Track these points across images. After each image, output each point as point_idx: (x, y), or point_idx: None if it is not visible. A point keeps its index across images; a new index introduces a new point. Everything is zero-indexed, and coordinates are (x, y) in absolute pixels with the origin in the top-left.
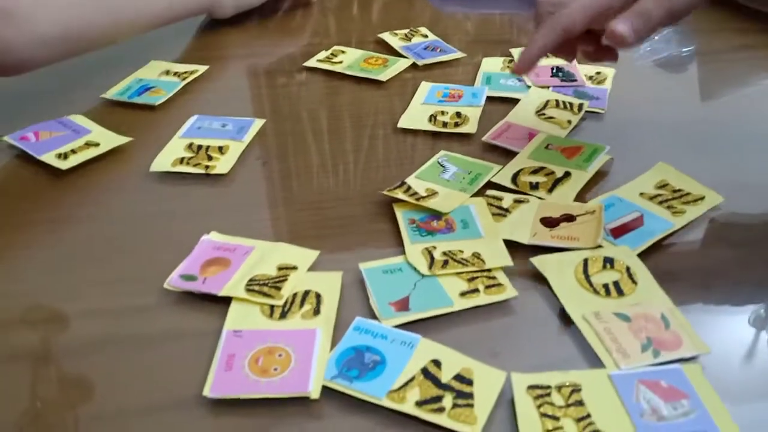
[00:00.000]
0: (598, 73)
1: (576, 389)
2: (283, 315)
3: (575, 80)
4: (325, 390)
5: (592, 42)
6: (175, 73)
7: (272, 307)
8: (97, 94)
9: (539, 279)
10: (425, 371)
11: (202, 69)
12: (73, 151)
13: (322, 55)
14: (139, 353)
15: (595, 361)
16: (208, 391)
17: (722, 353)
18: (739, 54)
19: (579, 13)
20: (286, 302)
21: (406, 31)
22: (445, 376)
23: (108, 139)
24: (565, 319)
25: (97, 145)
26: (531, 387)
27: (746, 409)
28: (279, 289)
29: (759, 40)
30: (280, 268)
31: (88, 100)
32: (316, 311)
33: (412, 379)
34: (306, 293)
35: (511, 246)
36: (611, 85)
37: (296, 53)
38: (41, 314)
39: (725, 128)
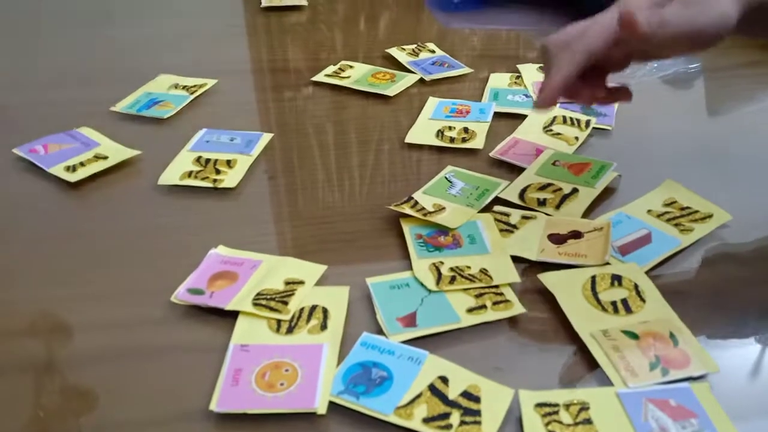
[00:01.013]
0: None
1: (584, 407)
2: (290, 330)
3: None
4: (332, 405)
5: (601, 85)
6: (184, 87)
7: (279, 321)
8: (106, 108)
9: (547, 296)
10: (432, 388)
11: (211, 82)
12: (82, 164)
13: (330, 69)
14: (146, 366)
15: (603, 379)
16: (214, 406)
17: (731, 371)
18: (745, 70)
19: (598, 35)
20: (293, 317)
21: (413, 46)
22: (453, 393)
23: (117, 152)
24: (573, 336)
25: (105, 158)
26: (539, 405)
27: (755, 427)
28: (286, 303)
29: (765, 57)
30: (287, 283)
31: (98, 113)
32: (323, 326)
33: (419, 396)
34: (313, 308)
35: (519, 262)
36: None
37: (304, 68)
38: (48, 325)
39: (732, 145)
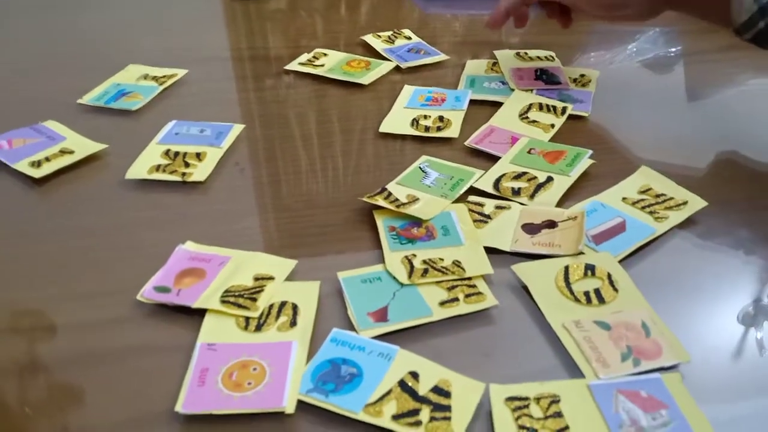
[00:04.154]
0: (582, 75)
1: (554, 400)
2: (259, 327)
3: (559, 83)
4: (301, 404)
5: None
6: (154, 77)
7: (247, 319)
8: (73, 100)
9: (520, 287)
10: (402, 384)
11: (181, 72)
12: (47, 159)
13: (304, 58)
14: (110, 367)
15: (575, 371)
16: (180, 407)
17: (703, 360)
18: (725, 54)
19: None
20: (261, 314)
21: (389, 33)
22: (423, 389)
23: (83, 146)
24: (546, 328)
25: (71, 152)
26: (509, 399)
27: (727, 415)
28: (255, 300)
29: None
30: (256, 279)
31: (64, 106)
32: (293, 323)
33: (389, 392)
34: (282, 304)
35: (493, 253)
36: (596, 87)
37: (279, 56)
38: (8, 328)
39: (711, 130)
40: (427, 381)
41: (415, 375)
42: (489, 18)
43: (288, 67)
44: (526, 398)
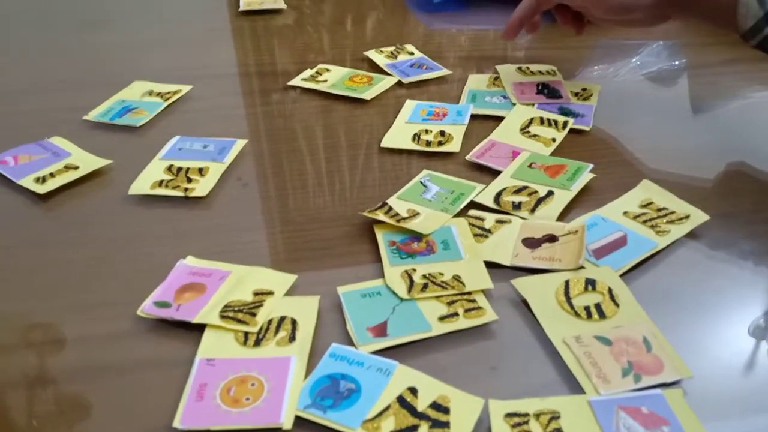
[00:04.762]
0: (584, 89)
1: (554, 416)
2: (258, 342)
3: (561, 97)
4: (298, 420)
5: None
6: (158, 94)
7: (247, 334)
8: (79, 116)
9: (520, 301)
10: (401, 399)
11: (186, 89)
12: (52, 175)
13: (307, 73)
14: (110, 382)
15: (576, 387)
16: (178, 423)
17: (705, 377)
18: (729, 67)
19: None
20: (261, 329)
21: (391, 48)
22: (422, 404)
23: (87, 162)
24: (547, 343)
25: (76, 168)
26: (509, 415)
27: (733, 430)
28: (254, 315)
29: (749, 53)
30: (256, 294)
31: (70, 122)
32: (292, 338)
33: (387, 408)
34: (282, 319)
35: (493, 267)
36: (598, 101)
37: (285, 71)
38: (10, 342)
39: (715, 143)
40: (425, 397)
41: (413, 390)
42: (504, 30)
43: (291, 83)
44: (526, 414)
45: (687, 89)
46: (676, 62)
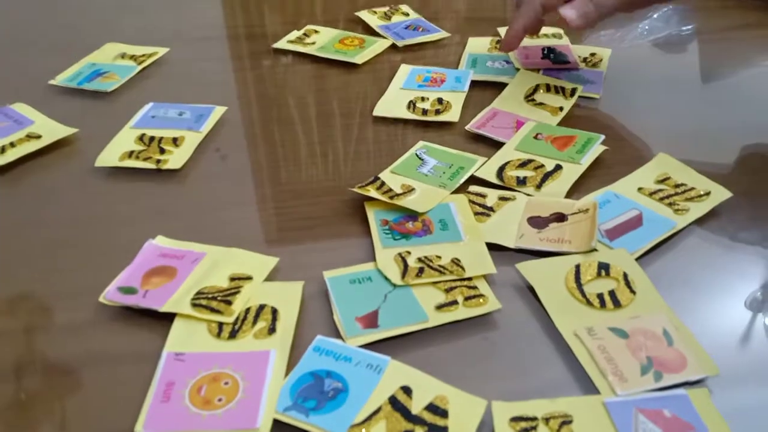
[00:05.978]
0: (593, 54)
1: (566, 421)
2: (233, 334)
3: (568, 62)
4: (277, 424)
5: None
6: (132, 57)
7: (221, 325)
8: (45, 81)
9: (526, 288)
10: (393, 401)
11: (161, 51)
12: (12, 145)
13: (294, 35)
14: (65, 379)
15: (588, 385)
16: (140, 427)
17: (733, 371)
18: (741, 33)
19: None
20: (237, 319)
21: (385, 9)
22: (416, 407)
23: (51, 131)
24: (556, 335)
25: (39, 137)
26: (514, 419)
27: None
28: (230, 303)
29: (762, 18)
30: (232, 279)
31: (35, 88)
32: (271, 329)
33: (377, 411)
34: (261, 308)
35: (495, 250)
36: (607, 67)
37: (271, 33)
38: None
39: (728, 114)
40: (421, 397)
41: (407, 390)
42: (504, 40)
43: (276, 45)
44: (534, 418)
45: (697, 56)
46: (686, 27)
